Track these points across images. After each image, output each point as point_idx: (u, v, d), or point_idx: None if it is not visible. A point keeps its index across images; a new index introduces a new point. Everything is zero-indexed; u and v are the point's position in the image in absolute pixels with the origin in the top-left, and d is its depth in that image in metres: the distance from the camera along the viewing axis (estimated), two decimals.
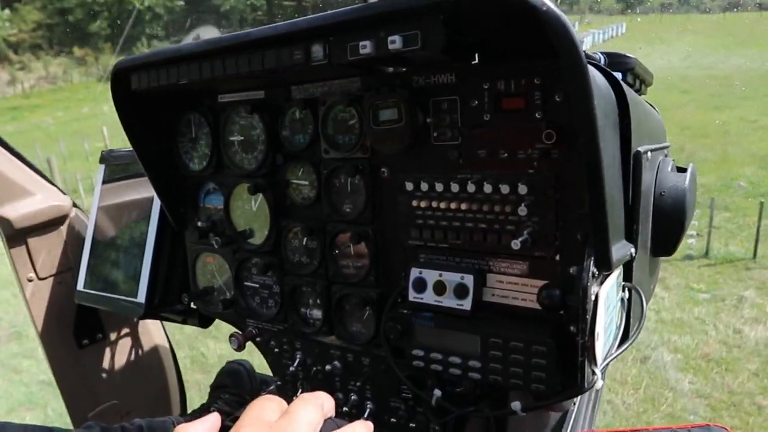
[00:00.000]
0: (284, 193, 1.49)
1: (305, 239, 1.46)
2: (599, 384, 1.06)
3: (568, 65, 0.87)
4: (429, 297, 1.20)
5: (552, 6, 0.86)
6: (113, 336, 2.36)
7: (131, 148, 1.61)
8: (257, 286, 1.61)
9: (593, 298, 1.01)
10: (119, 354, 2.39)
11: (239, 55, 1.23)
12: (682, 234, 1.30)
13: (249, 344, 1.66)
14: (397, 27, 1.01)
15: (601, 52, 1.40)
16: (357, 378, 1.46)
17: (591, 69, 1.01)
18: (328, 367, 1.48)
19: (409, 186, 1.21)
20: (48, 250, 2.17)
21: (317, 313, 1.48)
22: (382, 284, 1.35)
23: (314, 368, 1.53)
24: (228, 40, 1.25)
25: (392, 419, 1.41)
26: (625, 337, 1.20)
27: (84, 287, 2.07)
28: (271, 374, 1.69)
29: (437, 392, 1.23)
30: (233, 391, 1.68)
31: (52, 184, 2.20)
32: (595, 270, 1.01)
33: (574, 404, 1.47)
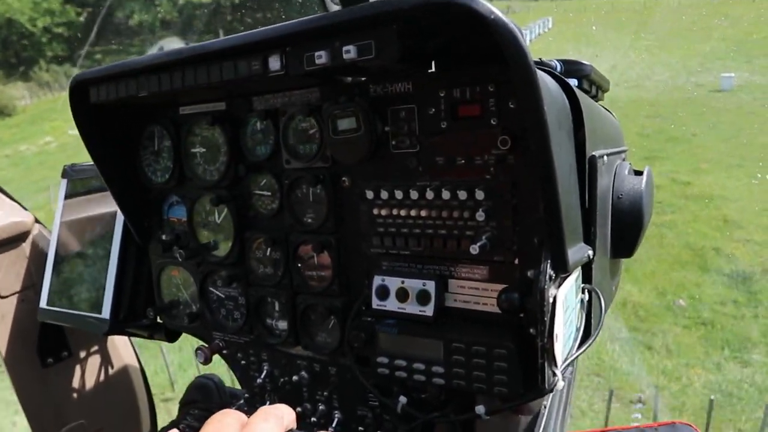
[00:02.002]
0: (247, 204, 1.48)
1: (269, 250, 1.45)
2: (560, 385, 1.07)
3: (518, 73, 0.89)
4: (392, 304, 1.20)
5: (499, 15, 0.88)
6: (79, 353, 2.31)
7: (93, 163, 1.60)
8: (222, 298, 1.59)
9: (551, 300, 1.02)
10: (86, 372, 2.34)
11: (198, 67, 1.23)
12: (641, 235, 1.33)
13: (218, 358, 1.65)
14: (351, 37, 1.02)
15: (558, 60, 1.43)
16: (324, 388, 1.45)
17: (544, 76, 1.04)
18: (295, 377, 1.48)
19: (370, 194, 1.22)
20: (9, 267, 2.13)
21: (283, 324, 1.48)
22: (346, 293, 1.35)
23: (281, 379, 1.52)
24: (187, 51, 1.25)
25: (360, 428, 1.41)
26: (585, 337, 1.21)
27: (47, 304, 2.03)
28: (239, 387, 1.68)
29: (402, 399, 1.24)
30: (202, 406, 1.65)
31: (14, 200, 2.16)
32: (552, 273, 1.02)
33: (545, 407, 1.49)
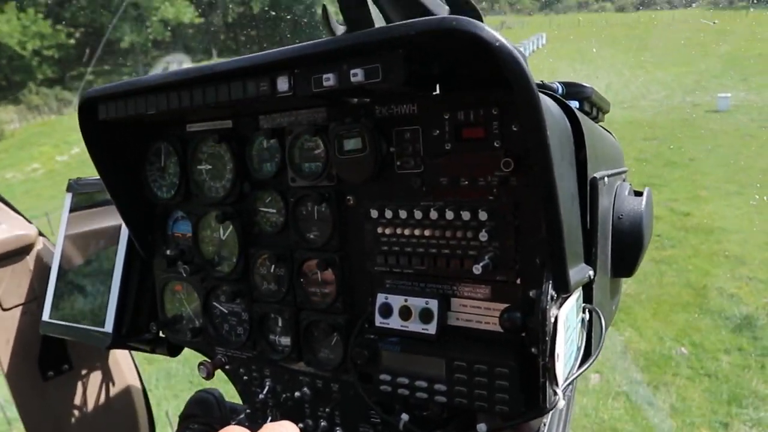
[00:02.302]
0: (252, 221, 1.50)
1: (273, 266, 1.47)
2: (561, 404, 1.08)
3: (522, 97, 0.91)
4: (395, 322, 1.22)
5: (504, 41, 0.90)
6: (80, 367, 2.32)
7: (98, 177, 1.62)
8: (226, 313, 1.61)
9: (552, 320, 1.04)
10: (86, 386, 2.35)
11: (206, 87, 1.25)
12: (641, 255, 1.35)
13: (219, 373, 1.65)
14: (359, 61, 1.04)
15: (559, 82, 1.46)
16: (326, 404, 1.46)
17: (546, 99, 1.06)
18: (297, 393, 1.48)
19: (374, 213, 1.24)
20: (12, 280, 2.14)
21: (286, 340, 1.49)
22: (349, 310, 1.36)
23: (284, 395, 1.52)
24: (195, 71, 1.28)
25: None
26: (586, 357, 1.23)
27: (50, 317, 2.04)
28: (240, 402, 1.68)
29: (404, 416, 1.25)
30: (202, 420, 1.66)
31: (18, 213, 2.17)
32: (553, 293, 1.04)
33: (544, 424, 1.49)
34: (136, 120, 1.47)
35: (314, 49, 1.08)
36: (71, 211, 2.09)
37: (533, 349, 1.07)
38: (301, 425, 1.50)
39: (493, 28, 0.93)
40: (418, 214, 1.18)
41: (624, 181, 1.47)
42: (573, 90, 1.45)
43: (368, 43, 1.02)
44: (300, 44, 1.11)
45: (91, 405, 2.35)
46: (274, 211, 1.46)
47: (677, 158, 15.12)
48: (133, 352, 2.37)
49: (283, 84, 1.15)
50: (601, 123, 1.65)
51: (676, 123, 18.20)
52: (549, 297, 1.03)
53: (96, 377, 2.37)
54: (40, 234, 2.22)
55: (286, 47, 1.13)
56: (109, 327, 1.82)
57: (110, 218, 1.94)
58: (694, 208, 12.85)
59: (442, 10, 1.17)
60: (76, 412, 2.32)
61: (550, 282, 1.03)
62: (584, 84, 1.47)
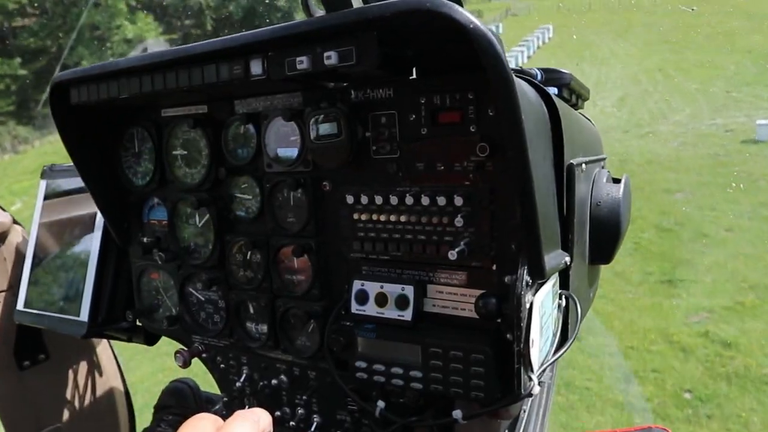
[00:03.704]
0: (228, 207, 1.48)
1: (249, 253, 1.45)
2: (536, 390, 1.08)
3: (496, 80, 0.90)
4: (371, 309, 1.21)
5: (478, 24, 0.89)
6: (57, 357, 2.28)
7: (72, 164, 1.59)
8: (202, 301, 1.59)
9: (527, 306, 1.04)
10: (63, 375, 2.31)
11: (179, 70, 1.23)
12: (619, 242, 1.35)
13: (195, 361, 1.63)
14: (332, 43, 1.02)
15: (538, 68, 1.45)
16: (303, 391, 1.45)
17: (522, 84, 1.05)
18: (274, 381, 1.48)
19: (350, 199, 1.23)
20: None
21: (262, 328, 1.47)
22: (325, 297, 1.35)
23: (261, 383, 1.51)
24: (169, 54, 1.25)
25: None
26: (562, 343, 1.23)
27: (24, 306, 2.00)
28: (216, 392, 1.67)
29: (380, 404, 1.24)
30: (177, 411, 1.64)
31: None
32: (529, 279, 1.03)
33: (524, 411, 1.50)
34: (110, 104, 1.44)
35: (287, 31, 1.07)
36: (46, 198, 2.05)
37: (508, 335, 1.06)
38: (278, 413, 1.49)
39: (494, 15, 0.91)
40: (393, 200, 1.17)
41: (603, 168, 1.47)
42: (552, 76, 1.45)
43: (341, 25, 1.00)
44: (273, 26, 1.09)
45: (69, 395, 2.32)
46: (250, 197, 1.44)
47: (710, 228, 10.55)
48: (112, 341, 2.35)
49: (256, 67, 1.13)
50: (580, 110, 1.65)
51: (706, 161, 13.70)
52: (524, 283, 1.02)
53: (73, 366, 2.34)
54: (15, 222, 2.18)
55: (259, 29, 1.11)
56: (84, 316, 1.79)
57: (85, 206, 1.91)
58: (738, 330, 7.81)
59: None
60: (53, 402, 2.29)
61: (525, 268, 1.03)
62: (563, 70, 1.47)
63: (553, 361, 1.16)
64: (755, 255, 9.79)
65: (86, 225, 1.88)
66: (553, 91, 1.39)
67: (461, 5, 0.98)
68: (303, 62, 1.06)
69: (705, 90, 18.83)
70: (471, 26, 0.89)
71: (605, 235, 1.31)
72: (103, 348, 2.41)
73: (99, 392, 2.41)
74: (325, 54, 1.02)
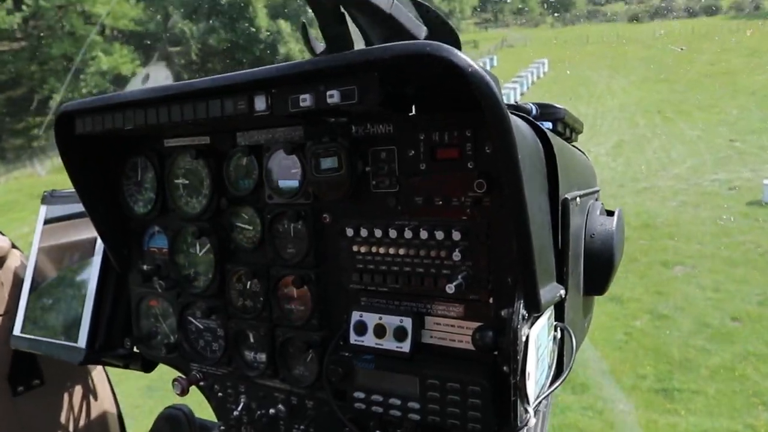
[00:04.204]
0: (229, 237, 1.50)
1: (249, 283, 1.47)
2: (532, 422, 1.10)
3: (492, 120, 0.93)
4: (369, 340, 1.22)
5: (477, 67, 0.93)
6: (52, 383, 2.27)
7: (74, 189, 1.61)
8: (201, 329, 1.60)
9: (524, 339, 1.05)
10: (58, 400, 2.30)
11: (184, 104, 1.26)
12: (612, 273, 1.38)
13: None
14: (335, 82, 1.06)
15: (533, 103, 1.49)
16: (301, 421, 1.46)
17: (518, 121, 1.08)
18: (272, 410, 1.48)
19: (350, 231, 1.25)
20: None
21: (261, 356, 1.48)
22: (324, 327, 1.37)
23: (258, 412, 1.52)
24: (174, 88, 1.28)
25: None
26: (558, 374, 1.24)
27: (21, 331, 2.00)
28: (212, 419, 1.67)
29: None
30: None
31: None
32: (525, 312, 1.06)
33: None
34: (113, 134, 1.47)
35: (291, 69, 1.10)
36: (46, 223, 2.06)
37: (505, 368, 1.08)
38: None
39: (469, 55, 0.95)
40: (392, 233, 1.20)
41: (596, 200, 1.50)
42: (546, 111, 1.48)
43: (344, 66, 1.04)
44: (278, 65, 1.12)
45: (62, 422, 2.30)
46: (251, 227, 1.46)
47: (714, 315, 8.64)
48: (108, 368, 2.34)
49: (260, 103, 1.16)
50: (574, 143, 1.68)
51: (708, 227, 12.05)
52: (520, 316, 1.04)
53: (68, 393, 2.32)
54: (13, 246, 2.18)
55: (264, 67, 1.14)
56: (82, 342, 1.79)
57: (85, 231, 1.92)
58: None
59: (420, 31, 1.19)
60: (47, 428, 2.27)
61: (522, 301, 1.05)
62: (557, 105, 1.50)
63: (549, 393, 1.18)
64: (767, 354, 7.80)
65: (85, 251, 1.89)
66: (547, 125, 1.43)
67: (459, 44, 1.02)
68: (306, 100, 1.09)
69: (707, 138, 17.12)
70: (470, 70, 0.92)
71: (599, 267, 1.34)
72: (98, 374, 2.40)
73: (93, 418, 2.40)
74: (328, 92, 1.06)
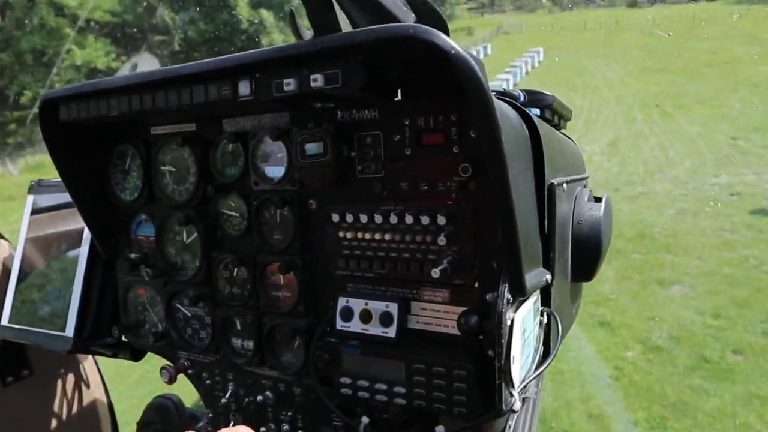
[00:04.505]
0: (215, 224, 1.50)
1: (236, 270, 1.47)
2: (517, 405, 1.10)
3: (476, 104, 0.93)
4: (356, 325, 1.22)
5: (460, 50, 0.92)
6: (41, 373, 2.27)
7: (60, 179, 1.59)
8: (189, 317, 1.60)
9: (508, 323, 1.06)
10: (48, 391, 2.30)
11: (168, 90, 1.25)
12: (600, 260, 1.38)
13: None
14: (319, 66, 1.05)
15: (521, 90, 1.49)
16: (288, 408, 1.46)
17: (504, 106, 1.08)
18: (260, 397, 1.48)
19: (336, 217, 1.25)
20: None
21: (249, 344, 1.48)
22: (311, 314, 1.37)
23: (246, 399, 1.52)
24: (158, 74, 1.27)
25: None
26: (544, 359, 1.25)
27: (8, 321, 1.99)
28: (200, 408, 1.67)
29: (365, 419, 1.25)
30: (161, 428, 1.64)
31: None
32: (510, 296, 1.06)
33: (510, 427, 1.51)
34: (99, 121, 1.46)
35: (275, 54, 1.09)
36: (33, 213, 2.05)
37: (490, 352, 1.08)
38: (263, 429, 1.50)
39: (462, 43, 0.94)
40: (378, 219, 1.20)
41: (585, 187, 1.50)
42: (534, 98, 1.48)
43: (328, 49, 1.03)
44: (262, 49, 1.12)
45: (53, 412, 2.30)
46: (237, 214, 1.46)
47: (714, 347, 7.61)
48: (98, 358, 2.33)
49: (244, 88, 1.15)
50: (563, 130, 1.68)
51: (708, 239, 10.86)
52: (505, 300, 1.05)
53: (58, 383, 2.32)
54: (1, 237, 2.17)
55: (248, 52, 1.14)
56: (70, 331, 1.79)
57: (73, 221, 1.91)
58: None
59: (408, 17, 1.19)
60: (37, 418, 2.27)
61: (507, 285, 1.05)
62: (545, 92, 1.50)
63: (534, 377, 1.18)
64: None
65: (73, 240, 1.88)
66: (535, 112, 1.43)
67: (447, 31, 1.01)
68: (290, 84, 1.08)
69: (707, 135, 15.58)
70: (453, 52, 0.92)
71: (586, 253, 1.34)
72: (88, 363, 2.39)
73: (83, 408, 2.39)
74: (312, 76, 1.05)
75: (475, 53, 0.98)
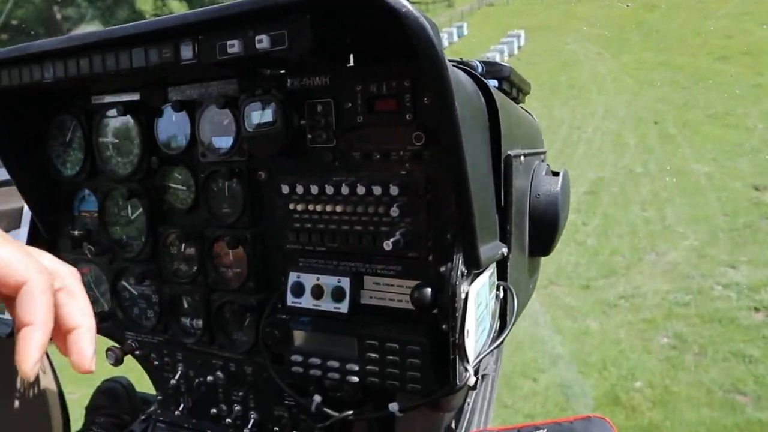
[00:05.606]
0: (161, 198, 1.43)
1: (183, 245, 1.40)
2: (471, 380, 1.08)
3: (429, 67, 0.89)
4: (307, 301, 1.18)
5: (411, 8, 0.88)
6: None
7: None
8: (135, 296, 1.53)
9: (463, 296, 1.03)
10: None
11: (106, 53, 1.18)
12: (557, 234, 1.37)
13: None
14: (264, 26, 1.00)
15: (479, 60, 1.45)
16: (240, 388, 1.42)
17: (459, 74, 1.04)
18: (210, 378, 1.43)
19: (286, 189, 1.20)
20: None
21: (198, 322, 1.43)
22: (262, 290, 1.32)
23: (196, 380, 1.47)
24: (95, 36, 1.19)
25: (276, 428, 1.39)
26: (500, 334, 1.23)
27: None
28: (151, 391, 1.61)
29: (317, 398, 1.22)
30: (111, 412, 1.58)
31: None
32: (464, 269, 1.03)
33: (468, 403, 1.50)
34: (35, 90, 1.37)
35: (218, 13, 1.03)
36: None
37: (444, 326, 1.06)
38: (214, 410, 1.45)
39: (438, 19, 0.89)
40: (329, 190, 1.15)
41: (543, 161, 1.49)
42: (492, 69, 1.46)
43: (273, 7, 0.97)
44: (204, 8, 1.05)
45: None
46: (184, 187, 1.39)
47: None
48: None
49: (186, 51, 1.09)
50: (522, 105, 1.66)
51: (717, 412, 4.99)
52: (459, 273, 1.02)
53: (2, 369, 2.22)
54: None
55: (190, 11, 1.07)
56: (8, 314, 1.70)
57: (11, 199, 1.82)
58: None
59: None
60: None
61: (461, 258, 1.02)
62: (503, 63, 1.48)
63: (489, 352, 1.16)
64: None
65: (13, 220, 1.79)
66: (493, 83, 1.40)
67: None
68: (234, 46, 1.02)
69: (720, 179, 10.87)
70: (404, 10, 0.87)
71: (544, 228, 1.33)
72: None
73: (31, 394, 2.30)
74: (257, 38, 1.00)
75: (447, 35, 0.94)
